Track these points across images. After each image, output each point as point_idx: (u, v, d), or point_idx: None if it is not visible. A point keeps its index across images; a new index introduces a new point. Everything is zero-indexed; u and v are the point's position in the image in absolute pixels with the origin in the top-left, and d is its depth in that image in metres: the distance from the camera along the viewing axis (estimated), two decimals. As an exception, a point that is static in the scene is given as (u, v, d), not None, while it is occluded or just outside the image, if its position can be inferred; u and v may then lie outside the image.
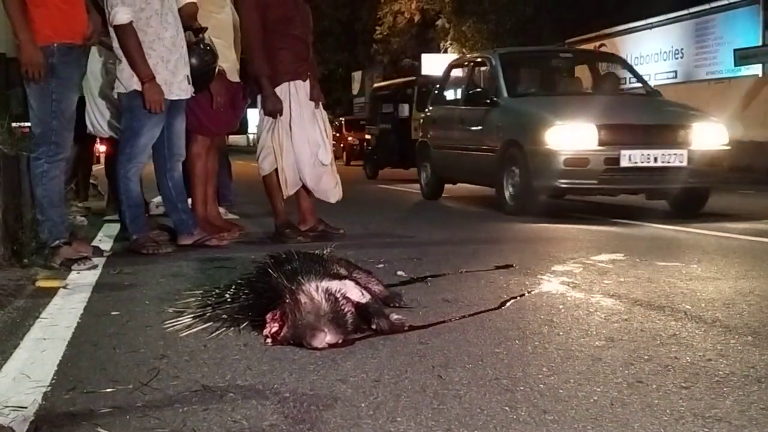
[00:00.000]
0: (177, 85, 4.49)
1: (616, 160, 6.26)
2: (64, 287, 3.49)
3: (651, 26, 17.58)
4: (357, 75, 34.17)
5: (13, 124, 5.48)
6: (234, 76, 5.16)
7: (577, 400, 1.91)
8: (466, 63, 9.32)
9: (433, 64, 25.45)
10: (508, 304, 3.06)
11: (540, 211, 6.60)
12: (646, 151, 6.31)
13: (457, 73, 9.58)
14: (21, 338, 2.61)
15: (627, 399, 1.92)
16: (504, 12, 22.32)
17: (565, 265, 4.05)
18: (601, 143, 6.32)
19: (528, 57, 9.56)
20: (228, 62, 5.11)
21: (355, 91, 34.64)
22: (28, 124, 4.43)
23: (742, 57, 14.53)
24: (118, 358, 2.35)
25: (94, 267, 4.00)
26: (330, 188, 5.10)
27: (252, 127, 15.63)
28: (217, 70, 4.86)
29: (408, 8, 27.69)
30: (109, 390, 2.02)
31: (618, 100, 7.77)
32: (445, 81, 9.74)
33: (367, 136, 16.56)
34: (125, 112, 4.52)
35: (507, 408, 1.85)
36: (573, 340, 2.51)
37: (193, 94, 4.67)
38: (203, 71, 4.72)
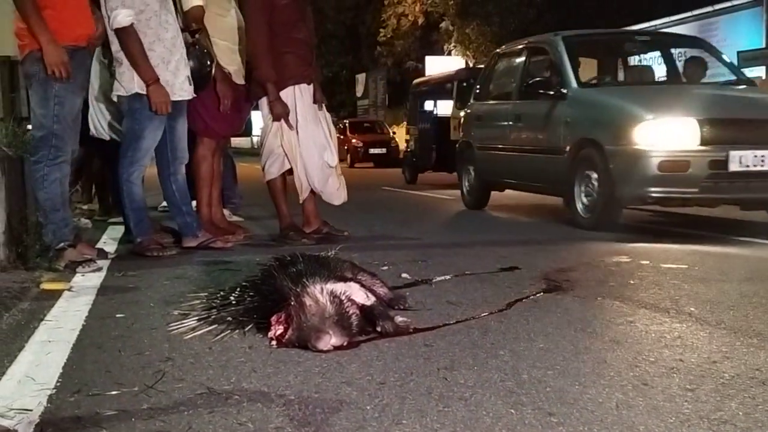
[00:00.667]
0: (179, 86, 4.49)
1: (724, 163, 5.16)
2: (69, 290, 3.50)
3: (654, 29, 17.56)
4: (361, 77, 34.23)
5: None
6: (240, 79, 5.17)
7: (583, 402, 1.90)
8: (517, 51, 7.85)
9: (436, 67, 25.51)
10: (512, 306, 3.05)
11: (623, 226, 5.73)
12: (760, 152, 5.20)
13: (505, 63, 8.25)
14: (26, 341, 2.62)
15: (632, 401, 1.92)
16: (507, 14, 22.34)
17: (571, 267, 4.05)
18: (704, 142, 5.22)
19: (596, 41, 7.94)
20: (234, 65, 5.12)
21: (359, 94, 34.70)
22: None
23: (746, 59, 14.49)
24: (123, 361, 2.35)
25: (99, 269, 4.00)
26: (335, 190, 5.11)
27: (256, 130, 15.39)
28: (213, 72, 4.86)
29: (412, 11, 27.71)
30: (114, 393, 2.02)
31: (715, 89, 6.64)
32: (490, 73, 8.43)
33: (406, 137, 15.25)
34: (126, 115, 4.53)
35: (512, 410, 1.85)
36: (578, 342, 2.51)
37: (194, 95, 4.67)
38: (201, 73, 4.73)
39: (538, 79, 6.87)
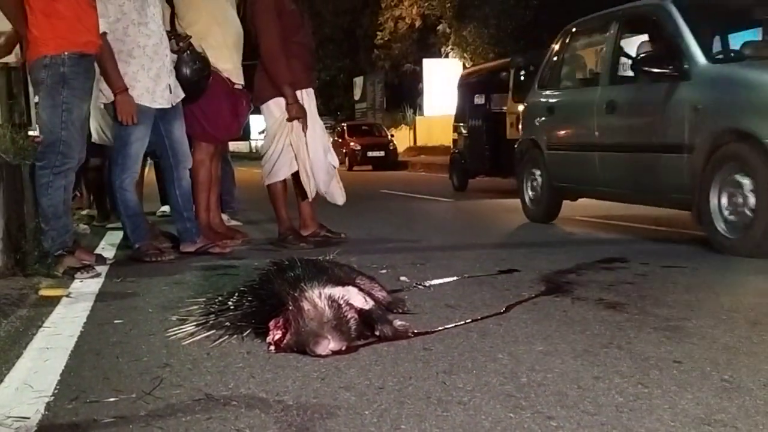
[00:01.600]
0: (159, 94, 4.50)
1: None
2: (67, 296, 3.50)
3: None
4: (359, 80, 34.24)
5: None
6: (238, 78, 5.16)
7: (582, 406, 1.90)
8: (602, 24, 6.27)
9: (434, 69, 25.53)
10: (511, 309, 3.04)
11: None
12: None
13: (584, 40, 6.82)
14: (24, 348, 2.61)
15: (633, 404, 1.91)
16: (504, 17, 22.32)
17: (570, 269, 4.04)
18: None
19: (717, 5, 5.83)
20: (230, 64, 5.11)
21: (356, 97, 34.71)
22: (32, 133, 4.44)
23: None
24: (121, 367, 2.34)
25: (97, 275, 4.00)
26: (336, 190, 5.17)
27: (255, 134, 15.27)
28: (210, 78, 4.86)
29: (409, 14, 27.72)
30: (112, 399, 2.02)
31: None
32: (562, 54, 6.88)
33: (454, 136, 13.01)
34: (114, 121, 4.55)
35: (511, 414, 1.85)
36: (577, 344, 2.50)
37: (186, 101, 4.67)
38: (193, 80, 4.73)
39: (644, 54, 5.33)
